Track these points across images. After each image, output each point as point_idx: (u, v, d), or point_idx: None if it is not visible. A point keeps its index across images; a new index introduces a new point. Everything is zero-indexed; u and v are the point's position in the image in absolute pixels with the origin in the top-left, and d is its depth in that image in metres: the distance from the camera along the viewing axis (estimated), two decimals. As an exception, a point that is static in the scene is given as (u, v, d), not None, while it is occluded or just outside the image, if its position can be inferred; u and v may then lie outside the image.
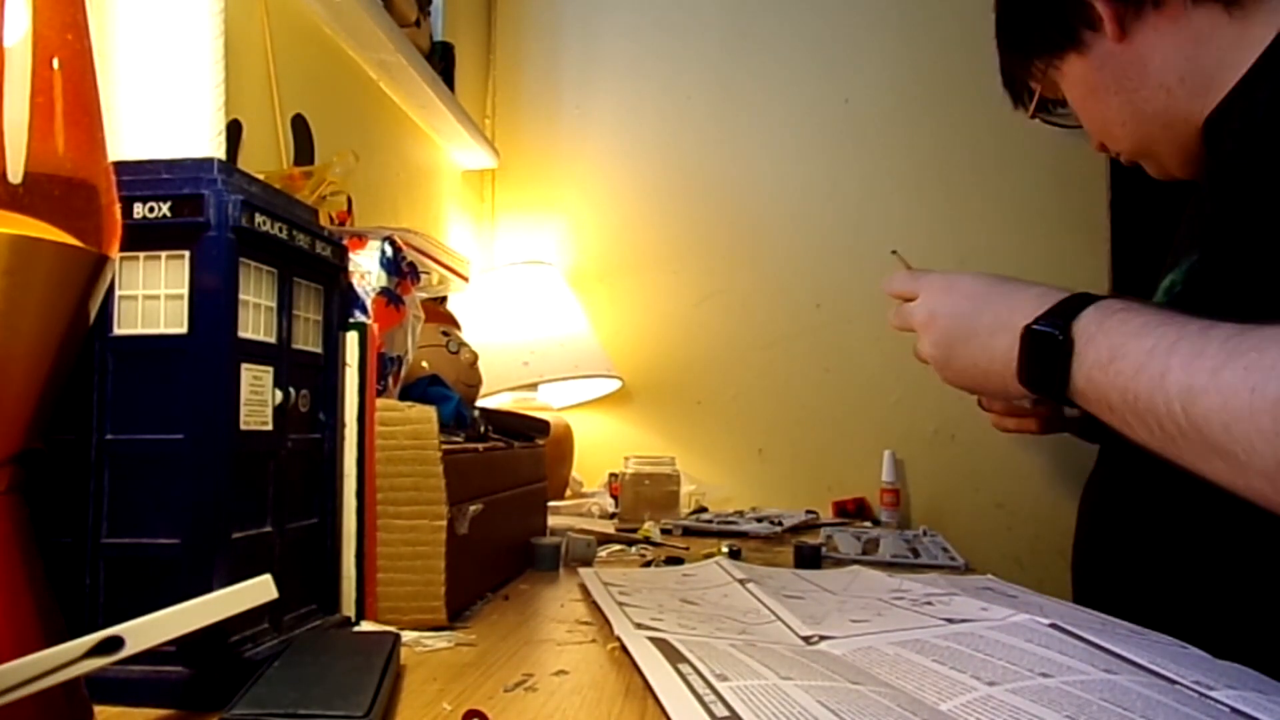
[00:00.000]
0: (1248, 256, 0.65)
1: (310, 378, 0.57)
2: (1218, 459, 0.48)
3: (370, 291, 0.72)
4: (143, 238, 0.46)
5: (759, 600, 0.68)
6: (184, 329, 0.47)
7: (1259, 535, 0.61)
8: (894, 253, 0.90)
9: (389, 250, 0.74)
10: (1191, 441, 0.50)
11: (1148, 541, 0.73)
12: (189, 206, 0.47)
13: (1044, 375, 0.61)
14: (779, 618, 0.62)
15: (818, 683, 0.44)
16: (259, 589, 0.40)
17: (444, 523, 0.63)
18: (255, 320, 0.50)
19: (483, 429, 0.82)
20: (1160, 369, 0.52)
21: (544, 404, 1.62)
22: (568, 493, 1.53)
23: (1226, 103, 0.76)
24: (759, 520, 1.32)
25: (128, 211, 0.45)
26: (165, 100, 0.81)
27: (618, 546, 1.06)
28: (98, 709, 0.39)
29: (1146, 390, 0.53)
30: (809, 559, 0.93)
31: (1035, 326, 0.62)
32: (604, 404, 1.81)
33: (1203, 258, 0.70)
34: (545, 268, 1.77)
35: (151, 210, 0.47)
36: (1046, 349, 0.61)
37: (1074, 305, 0.61)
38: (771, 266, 1.80)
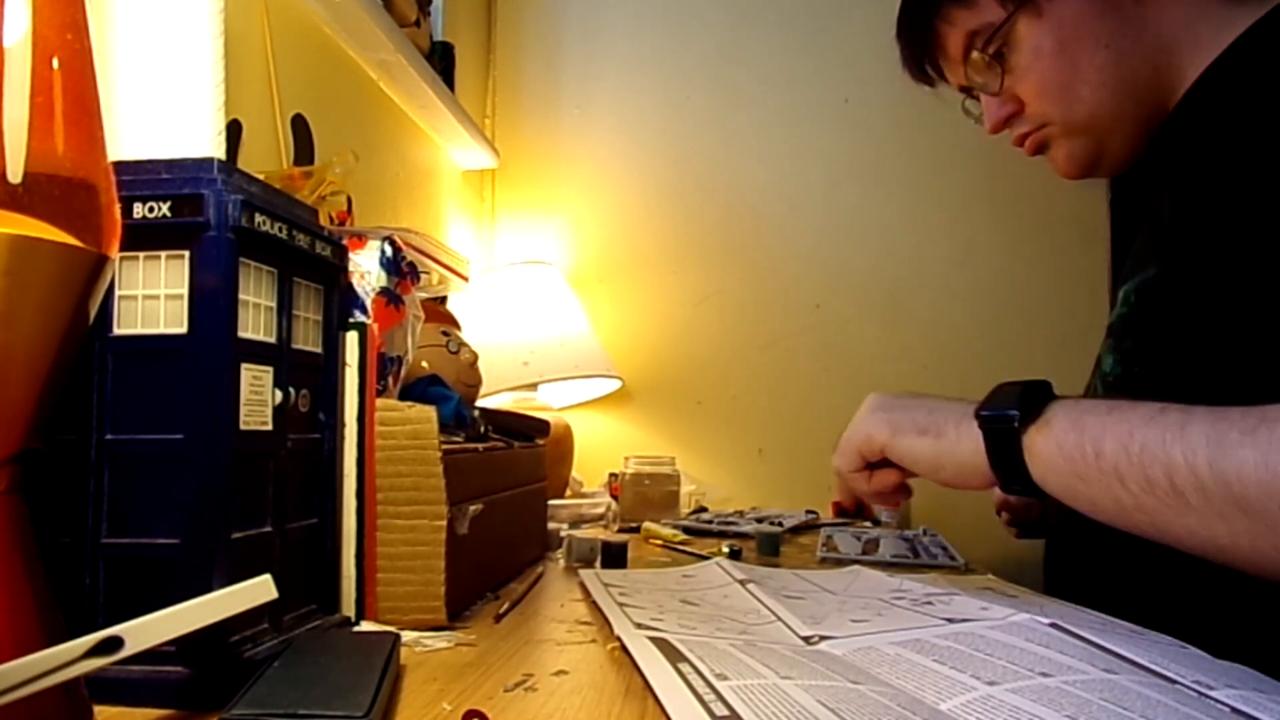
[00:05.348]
0: (1205, 273, 0.63)
1: (310, 378, 0.57)
2: (1241, 517, 0.46)
3: (370, 291, 0.72)
4: (143, 238, 0.46)
5: (759, 600, 0.68)
6: (184, 329, 0.47)
7: None
8: None
9: (389, 250, 0.74)
10: (1211, 498, 0.47)
11: (1122, 544, 0.73)
12: (189, 206, 0.47)
13: (1013, 401, 0.58)
14: (779, 618, 0.62)
15: (818, 682, 0.44)
16: (259, 589, 0.40)
17: (444, 523, 0.63)
18: (255, 320, 0.50)
19: (483, 429, 0.82)
20: (1178, 421, 0.49)
21: (544, 404, 1.62)
22: (568, 493, 1.53)
23: (1190, 100, 0.73)
24: (759, 520, 1.32)
25: (128, 211, 0.45)
26: (165, 100, 0.81)
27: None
28: (98, 709, 0.39)
29: (1158, 439, 0.50)
30: (616, 558, 0.90)
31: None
32: (604, 404, 1.81)
33: (1160, 270, 0.67)
34: (545, 268, 1.77)
35: (151, 210, 0.47)
36: (1025, 388, 0.59)
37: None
38: (771, 266, 1.80)
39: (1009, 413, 0.58)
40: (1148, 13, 0.74)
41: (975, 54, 0.81)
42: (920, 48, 0.89)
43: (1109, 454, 0.53)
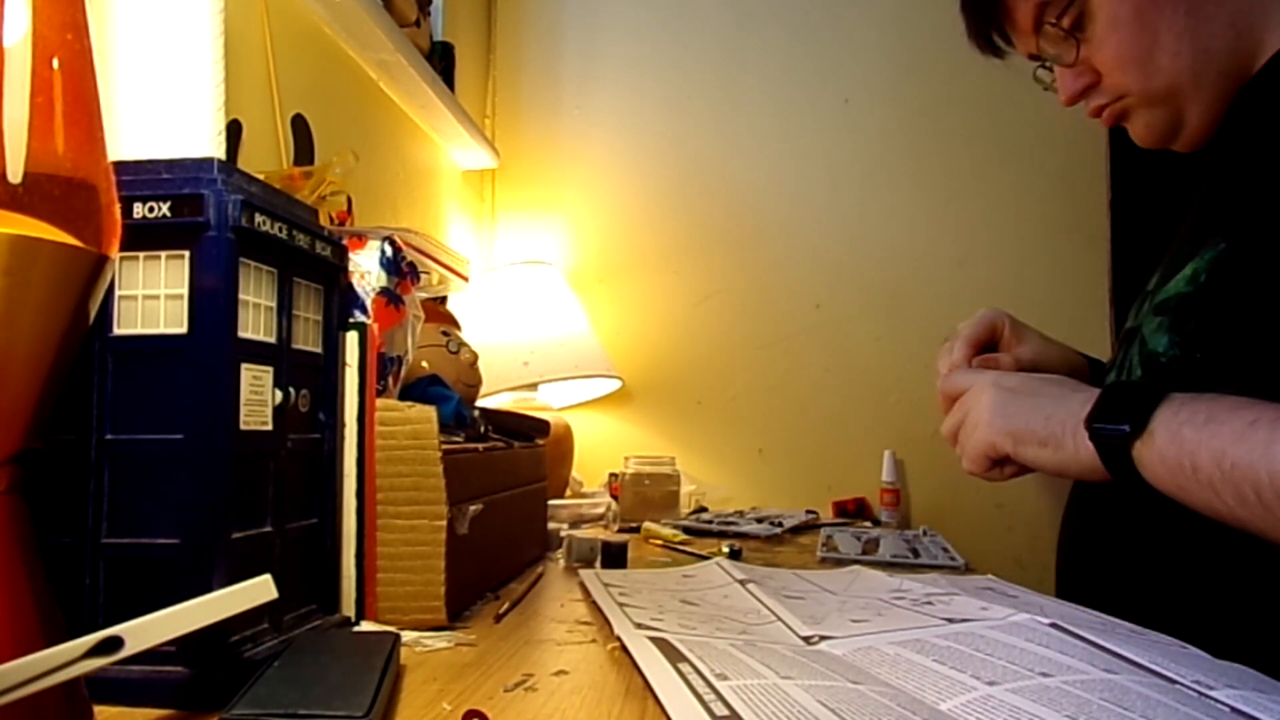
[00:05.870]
0: None
1: (310, 378, 0.57)
2: None
3: (370, 291, 0.72)
4: (143, 238, 0.46)
5: (759, 601, 0.68)
6: (184, 329, 0.47)
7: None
8: None
9: (389, 250, 0.74)
10: None
11: (1134, 542, 0.73)
12: (189, 206, 0.47)
13: (1123, 411, 0.60)
14: (779, 618, 0.62)
15: (818, 682, 0.44)
16: (259, 589, 0.40)
17: (444, 523, 0.63)
18: (255, 320, 0.50)
19: (483, 429, 0.82)
20: (1265, 439, 0.52)
21: (544, 404, 1.62)
22: (568, 493, 1.53)
23: (1266, 73, 0.70)
24: (759, 521, 1.32)
25: (128, 211, 0.45)
26: (165, 100, 0.81)
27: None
28: (98, 709, 0.39)
29: (1246, 458, 0.53)
30: (616, 558, 0.90)
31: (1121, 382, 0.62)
32: (604, 404, 1.81)
33: (1232, 245, 0.65)
34: (545, 268, 1.77)
35: (151, 210, 0.47)
36: (1134, 394, 0.61)
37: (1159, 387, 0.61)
38: (771, 266, 1.80)
39: (1119, 429, 0.60)
40: None
41: (1048, 26, 0.78)
42: (986, 20, 0.85)
43: (1204, 469, 0.55)
